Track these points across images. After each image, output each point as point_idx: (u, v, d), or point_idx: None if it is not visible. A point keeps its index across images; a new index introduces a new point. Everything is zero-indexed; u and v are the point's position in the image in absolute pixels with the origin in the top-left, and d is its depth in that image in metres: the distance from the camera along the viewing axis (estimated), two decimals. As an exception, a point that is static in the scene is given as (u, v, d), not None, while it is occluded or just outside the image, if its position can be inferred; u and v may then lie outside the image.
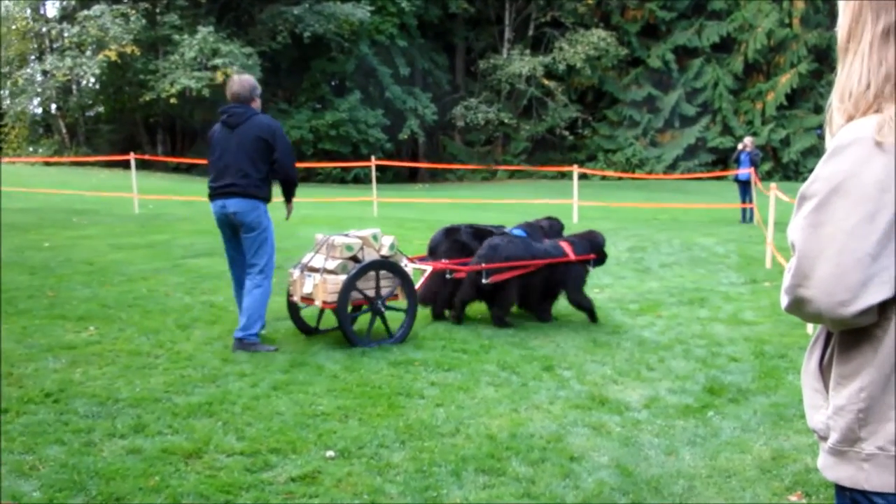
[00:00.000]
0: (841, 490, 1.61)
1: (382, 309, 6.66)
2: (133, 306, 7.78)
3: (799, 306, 1.56)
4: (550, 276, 7.47)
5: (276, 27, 33.12)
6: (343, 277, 6.43)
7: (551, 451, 4.45)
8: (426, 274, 7.41)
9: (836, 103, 1.60)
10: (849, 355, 1.57)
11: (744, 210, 18.08)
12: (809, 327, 6.96)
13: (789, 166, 37.45)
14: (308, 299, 6.60)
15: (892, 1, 1.54)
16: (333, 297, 6.40)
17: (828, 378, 1.64)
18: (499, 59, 38.88)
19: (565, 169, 25.93)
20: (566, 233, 8.39)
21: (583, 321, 7.60)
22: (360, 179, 33.71)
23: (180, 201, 19.18)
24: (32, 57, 37.09)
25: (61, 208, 16.82)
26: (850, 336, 1.56)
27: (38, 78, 34.68)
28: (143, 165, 27.17)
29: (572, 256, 7.47)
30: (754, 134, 33.25)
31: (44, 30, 36.18)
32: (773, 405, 5.26)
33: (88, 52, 32.13)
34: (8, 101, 35.89)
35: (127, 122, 36.48)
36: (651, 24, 39.76)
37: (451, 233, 7.86)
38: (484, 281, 7.18)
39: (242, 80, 6.62)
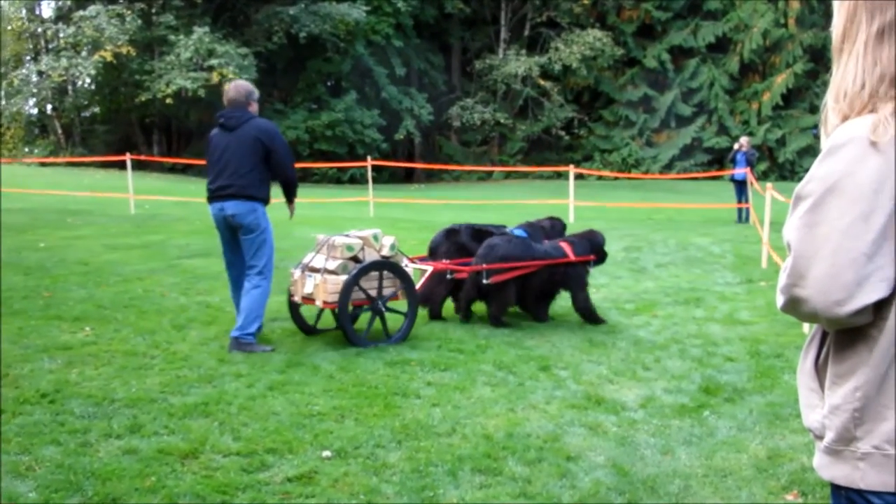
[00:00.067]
0: (837, 489, 1.61)
1: (383, 309, 6.67)
2: (129, 307, 7.78)
3: (794, 306, 1.56)
4: (550, 276, 7.47)
5: (272, 27, 33.07)
6: (344, 278, 6.46)
7: (548, 450, 4.46)
8: (426, 274, 7.42)
9: (832, 103, 1.60)
10: (844, 355, 1.58)
11: (740, 210, 18.10)
12: (805, 327, 6.97)
13: (785, 166, 37.48)
14: (309, 299, 6.62)
15: (886, 1, 1.55)
16: (334, 298, 6.42)
17: (823, 377, 1.64)
18: (495, 59, 38.88)
19: (561, 169, 25.90)
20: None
21: (579, 321, 7.60)
22: (357, 180, 33.67)
23: (176, 202, 19.16)
24: (28, 57, 37.06)
25: (57, 209, 16.79)
26: (845, 335, 1.57)
27: (34, 78, 34.60)
28: (138, 166, 27.11)
29: (572, 257, 7.47)
30: (750, 134, 33.26)
31: (39, 30, 36.14)
32: (769, 404, 5.27)
33: (84, 53, 32.10)
34: (3, 102, 35.85)
35: (123, 123, 36.42)
36: (647, 24, 39.77)
37: (451, 234, 7.88)
38: (484, 281, 7.20)
39: (238, 86, 6.68)
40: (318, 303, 6.55)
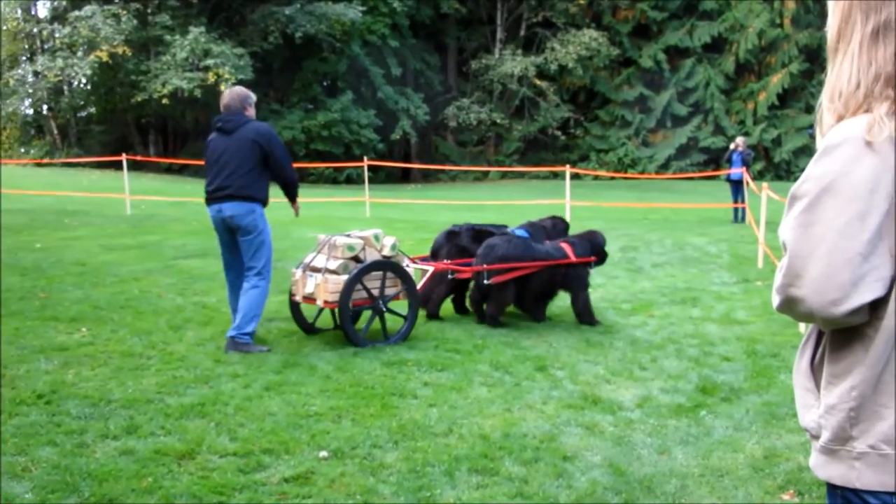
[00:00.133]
0: (833, 488, 1.61)
1: (384, 309, 6.68)
2: (125, 307, 7.77)
3: (790, 306, 1.57)
4: (551, 277, 7.47)
5: (268, 27, 33.02)
6: (344, 277, 6.47)
7: (544, 450, 4.46)
8: (427, 275, 7.43)
9: (827, 103, 1.61)
10: (840, 354, 1.58)
11: (735, 210, 18.13)
12: (801, 326, 6.98)
13: (781, 166, 37.54)
14: (310, 299, 6.63)
15: (881, 1, 1.55)
16: (335, 297, 6.45)
17: (819, 377, 1.65)
18: (491, 59, 38.86)
19: (557, 169, 25.93)
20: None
21: (575, 321, 7.60)
22: (353, 180, 33.64)
23: (172, 202, 19.13)
24: (23, 58, 36.95)
25: (53, 209, 16.76)
26: (841, 335, 1.57)
27: (30, 79, 34.54)
28: (134, 166, 27.08)
29: (573, 258, 7.47)
30: (746, 134, 33.34)
31: (35, 30, 36.03)
32: (766, 404, 5.27)
33: (80, 53, 32.00)
34: (-1, 103, 35.79)
35: (118, 123, 36.36)
36: (642, 24, 39.79)
37: (452, 236, 7.89)
38: (485, 282, 7.22)
39: (234, 92, 6.71)
40: (319, 302, 6.58)
